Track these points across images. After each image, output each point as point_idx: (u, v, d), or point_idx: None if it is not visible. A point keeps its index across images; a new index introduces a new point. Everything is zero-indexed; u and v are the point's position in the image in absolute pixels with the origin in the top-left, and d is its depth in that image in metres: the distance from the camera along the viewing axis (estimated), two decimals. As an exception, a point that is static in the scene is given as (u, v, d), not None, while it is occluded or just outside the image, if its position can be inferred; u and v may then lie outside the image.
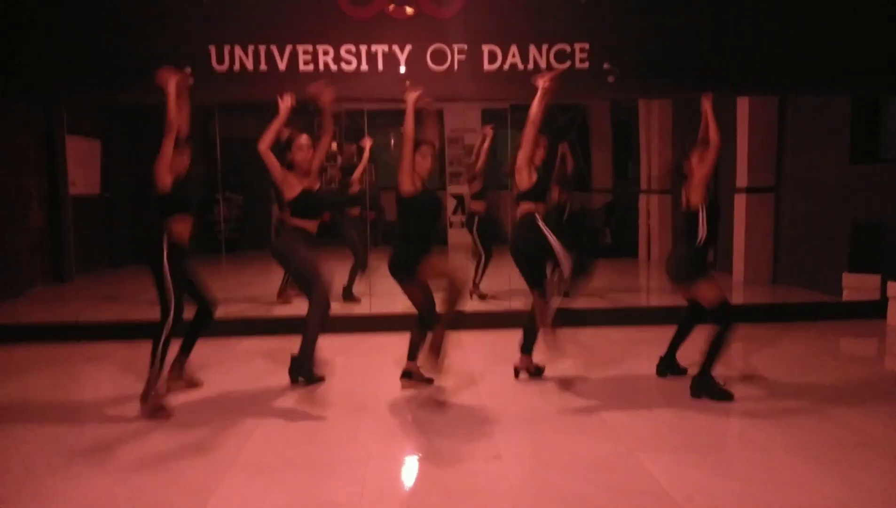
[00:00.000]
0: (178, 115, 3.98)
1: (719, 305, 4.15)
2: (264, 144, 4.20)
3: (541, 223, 4.35)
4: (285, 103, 4.34)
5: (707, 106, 4.43)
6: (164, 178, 3.95)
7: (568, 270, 4.29)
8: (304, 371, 4.36)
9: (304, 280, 4.33)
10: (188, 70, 4.18)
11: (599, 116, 12.54)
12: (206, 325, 4.39)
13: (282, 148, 4.33)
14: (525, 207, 4.43)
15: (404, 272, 4.14)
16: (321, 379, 4.48)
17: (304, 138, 4.39)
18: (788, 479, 3.01)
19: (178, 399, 4.20)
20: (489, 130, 7.30)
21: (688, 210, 4.22)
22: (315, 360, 4.36)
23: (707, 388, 4.11)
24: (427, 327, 4.21)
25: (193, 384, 4.45)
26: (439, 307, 4.17)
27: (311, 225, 4.40)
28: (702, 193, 4.17)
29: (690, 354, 4.41)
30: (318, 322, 4.24)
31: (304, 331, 4.26)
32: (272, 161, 4.25)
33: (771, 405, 4.00)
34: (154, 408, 3.89)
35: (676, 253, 4.33)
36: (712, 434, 3.63)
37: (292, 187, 4.33)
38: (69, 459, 3.32)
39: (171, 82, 4.00)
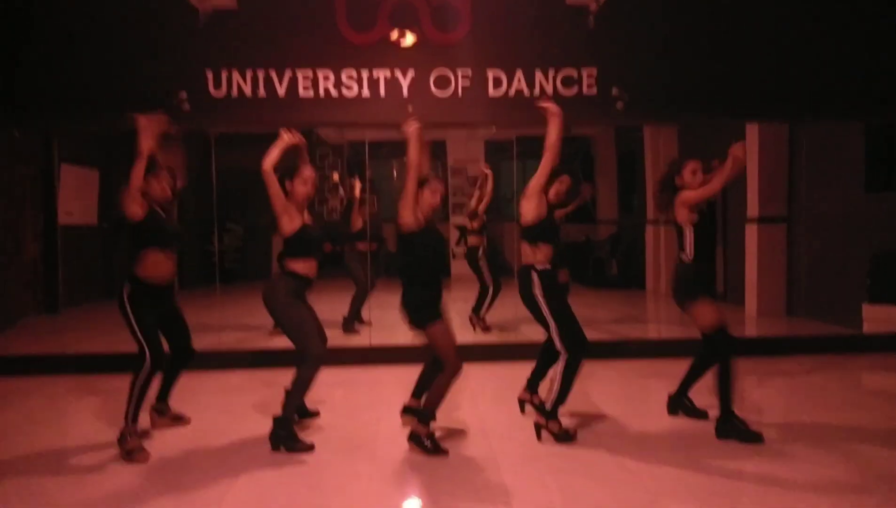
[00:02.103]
0: (149, 147, 3.73)
1: (715, 331, 3.90)
2: (268, 164, 3.74)
3: (535, 281, 3.92)
4: (291, 137, 3.94)
5: (740, 153, 3.93)
6: (133, 205, 3.69)
7: (558, 340, 3.89)
8: (284, 438, 3.74)
9: (297, 341, 3.84)
10: (162, 115, 3.89)
11: (604, 147, 12.42)
12: (183, 367, 4.14)
13: (282, 176, 3.88)
14: (525, 251, 4.04)
15: (422, 317, 3.75)
16: (309, 447, 3.78)
17: (308, 171, 3.94)
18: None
19: (162, 437, 3.94)
20: (488, 170, 7.18)
21: (677, 228, 4.03)
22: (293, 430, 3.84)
23: (734, 430, 3.83)
24: (439, 369, 3.81)
25: (179, 420, 4.18)
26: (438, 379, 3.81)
27: (309, 267, 3.89)
28: (687, 212, 3.93)
29: (699, 391, 4.14)
30: (307, 384, 3.80)
31: (288, 392, 3.82)
32: (275, 186, 3.76)
33: (798, 448, 3.71)
34: (129, 450, 3.61)
35: (673, 273, 4.14)
36: (739, 479, 3.34)
37: (292, 221, 3.83)
38: (43, 501, 3.05)
39: (145, 130, 3.75)
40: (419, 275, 3.81)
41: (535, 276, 3.94)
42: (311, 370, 3.78)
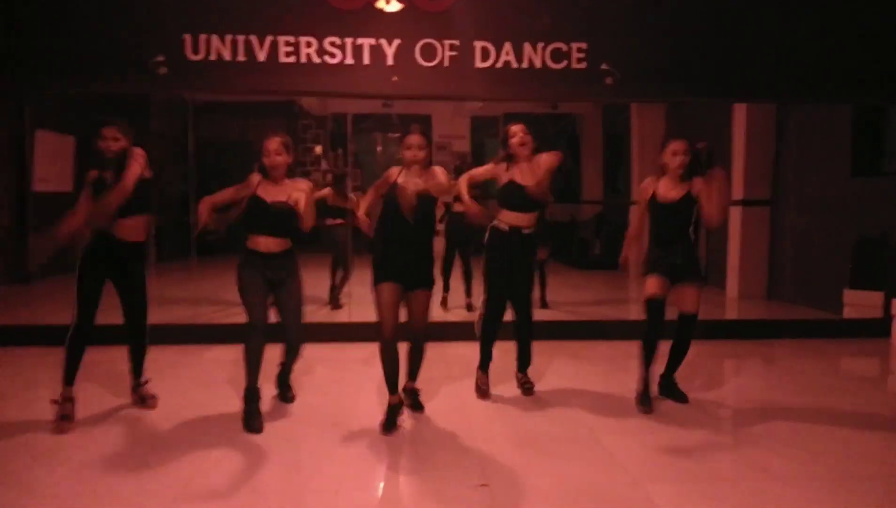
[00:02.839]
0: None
1: (644, 305, 4.03)
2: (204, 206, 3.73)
3: (486, 234, 4.27)
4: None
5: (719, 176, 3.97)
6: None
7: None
8: (243, 412, 3.65)
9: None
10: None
11: (591, 126, 12.33)
12: (132, 343, 3.90)
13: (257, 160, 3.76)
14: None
15: (373, 278, 3.71)
16: (256, 429, 3.59)
17: (267, 143, 3.72)
18: (810, 515, 2.70)
19: (136, 412, 3.82)
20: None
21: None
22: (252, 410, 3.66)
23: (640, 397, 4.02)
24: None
25: (144, 402, 3.94)
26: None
27: (256, 243, 3.70)
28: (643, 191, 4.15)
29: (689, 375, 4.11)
30: (246, 355, 3.63)
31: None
32: (223, 198, 3.77)
33: (781, 430, 3.69)
34: (56, 417, 3.56)
35: None
36: (721, 461, 3.31)
37: (241, 196, 3.75)
38: (4, 478, 2.93)
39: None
40: (380, 234, 3.74)
41: (488, 230, 4.24)
42: (246, 343, 3.64)
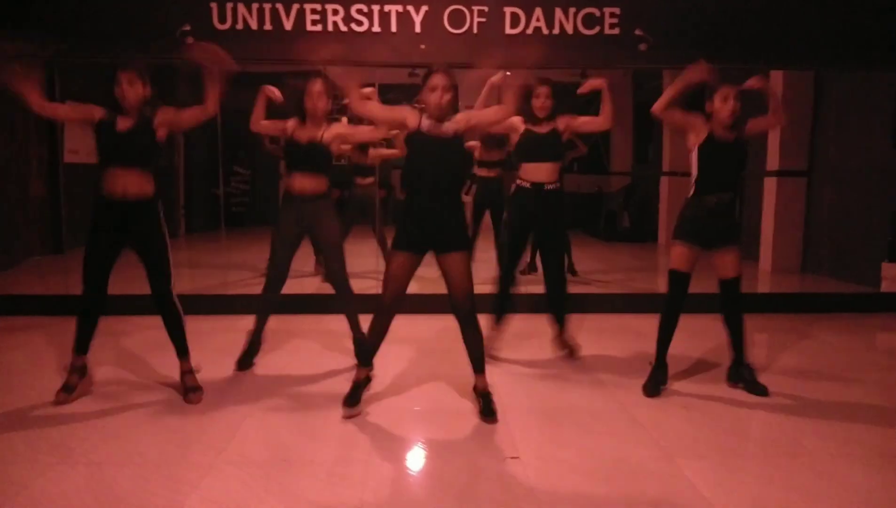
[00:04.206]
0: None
1: (670, 272, 3.75)
2: (255, 125, 3.95)
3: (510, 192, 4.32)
4: (271, 93, 3.98)
5: (760, 84, 3.67)
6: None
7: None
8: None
9: None
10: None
11: (620, 94, 12.05)
12: (163, 315, 3.61)
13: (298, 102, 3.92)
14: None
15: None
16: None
17: (311, 85, 3.90)
18: (842, 492, 2.64)
19: (166, 380, 3.87)
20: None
21: None
22: (253, 343, 4.19)
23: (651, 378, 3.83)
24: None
25: (185, 394, 3.60)
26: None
27: (292, 182, 3.91)
28: (696, 134, 3.66)
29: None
30: (258, 303, 4.11)
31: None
32: (271, 130, 4.03)
33: (816, 406, 3.62)
34: (64, 384, 3.53)
35: None
36: (755, 438, 3.25)
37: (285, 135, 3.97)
38: (31, 447, 2.99)
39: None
40: (405, 189, 3.30)
41: (512, 188, 4.25)
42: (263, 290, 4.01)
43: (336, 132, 3.92)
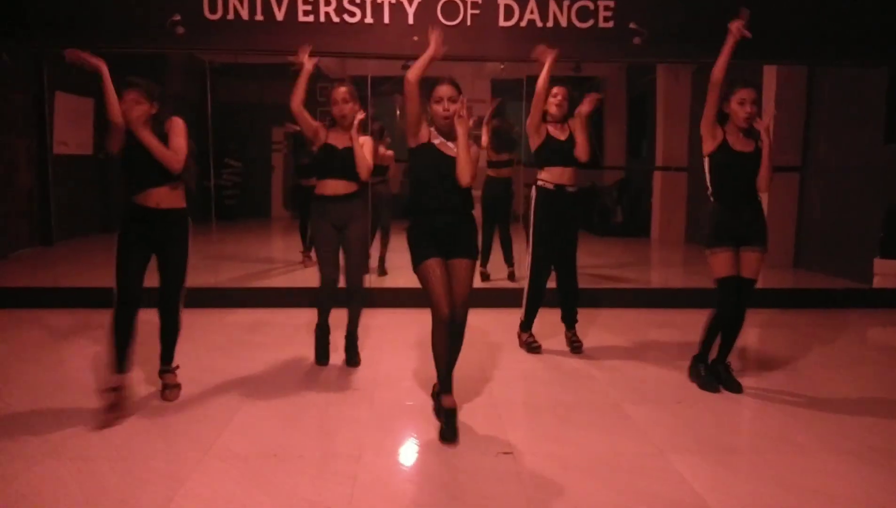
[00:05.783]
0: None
1: (717, 283, 3.67)
2: (297, 104, 3.76)
3: (532, 194, 4.36)
4: (309, 62, 3.84)
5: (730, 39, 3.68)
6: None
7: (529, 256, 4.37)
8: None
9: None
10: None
11: (614, 89, 12.03)
12: (163, 322, 3.55)
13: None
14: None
15: (412, 259, 3.23)
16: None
17: (334, 93, 3.88)
18: (834, 486, 2.64)
19: (153, 377, 3.83)
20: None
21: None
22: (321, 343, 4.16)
23: (696, 375, 3.83)
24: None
25: (163, 391, 3.54)
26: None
27: (324, 186, 3.91)
28: (704, 139, 3.66)
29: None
30: (316, 303, 4.08)
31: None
32: (307, 121, 3.85)
33: (808, 401, 3.62)
34: (105, 405, 3.20)
35: None
36: (748, 434, 3.26)
37: (317, 142, 3.92)
38: (18, 441, 2.95)
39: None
40: (411, 203, 3.22)
41: (532, 190, 4.32)
42: (317, 291, 4.01)
43: (369, 147, 3.95)
